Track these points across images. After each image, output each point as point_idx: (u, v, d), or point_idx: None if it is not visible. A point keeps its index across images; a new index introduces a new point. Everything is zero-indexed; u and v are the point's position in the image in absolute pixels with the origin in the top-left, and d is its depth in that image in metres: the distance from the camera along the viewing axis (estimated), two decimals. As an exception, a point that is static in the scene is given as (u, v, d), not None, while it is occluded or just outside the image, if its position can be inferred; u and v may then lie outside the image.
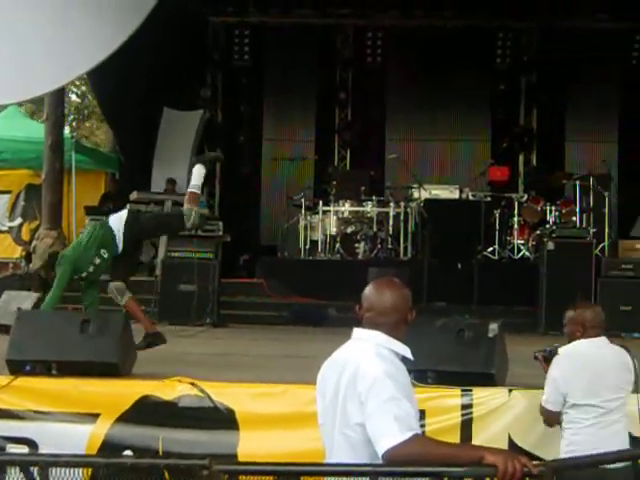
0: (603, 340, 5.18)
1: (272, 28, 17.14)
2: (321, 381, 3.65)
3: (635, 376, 5.04)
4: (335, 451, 3.52)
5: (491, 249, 13.84)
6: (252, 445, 5.96)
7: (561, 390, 5.03)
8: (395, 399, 3.33)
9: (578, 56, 16.58)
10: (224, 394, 6.19)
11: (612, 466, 4.14)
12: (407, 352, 3.60)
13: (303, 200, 14.49)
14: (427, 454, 3.29)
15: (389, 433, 3.26)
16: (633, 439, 5.18)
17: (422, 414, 5.91)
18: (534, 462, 3.30)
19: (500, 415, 5.92)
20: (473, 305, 11.72)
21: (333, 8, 16.74)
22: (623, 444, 4.85)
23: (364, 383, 3.38)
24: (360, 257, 13.79)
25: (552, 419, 5.22)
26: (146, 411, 6.20)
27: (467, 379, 6.12)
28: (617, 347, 5.20)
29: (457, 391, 6.03)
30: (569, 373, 5.06)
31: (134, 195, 13.58)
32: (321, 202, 14.42)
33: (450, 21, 16.56)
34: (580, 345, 5.15)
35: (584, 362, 5.09)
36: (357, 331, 3.64)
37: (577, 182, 14.37)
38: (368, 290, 3.67)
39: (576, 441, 4.96)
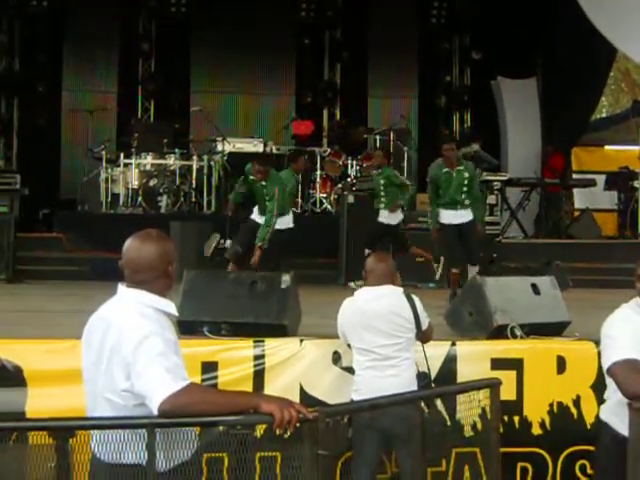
0: (384, 289, 5.35)
1: (71, -26, 16.52)
2: (87, 336, 3.52)
3: (415, 322, 5.26)
4: (98, 412, 3.42)
5: (294, 202, 13.94)
6: (41, 402, 5.81)
7: (341, 333, 5.46)
8: (163, 354, 3.27)
9: (380, 13, 16.92)
10: (12, 351, 5.98)
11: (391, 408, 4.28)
12: (171, 308, 3.52)
13: (104, 152, 14.12)
14: (204, 402, 3.27)
15: (163, 384, 3.21)
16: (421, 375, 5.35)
17: (215, 366, 5.95)
18: (310, 408, 3.36)
19: (291, 365, 5.97)
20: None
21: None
22: (402, 387, 4.98)
23: (129, 345, 3.28)
24: (163, 211, 13.62)
25: None
26: None
27: (260, 330, 6.16)
28: (398, 295, 5.37)
29: (250, 342, 6.06)
30: (345, 318, 5.41)
31: None
32: (122, 155, 14.10)
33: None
34: (360, 292, 5.48)
35: (356, 308, 5.37)
36: (121, 288, 3.50)
37: (378, 137, 14.67)
38: (125, 246, 3.50)
39: (358, 381, 5.30)
